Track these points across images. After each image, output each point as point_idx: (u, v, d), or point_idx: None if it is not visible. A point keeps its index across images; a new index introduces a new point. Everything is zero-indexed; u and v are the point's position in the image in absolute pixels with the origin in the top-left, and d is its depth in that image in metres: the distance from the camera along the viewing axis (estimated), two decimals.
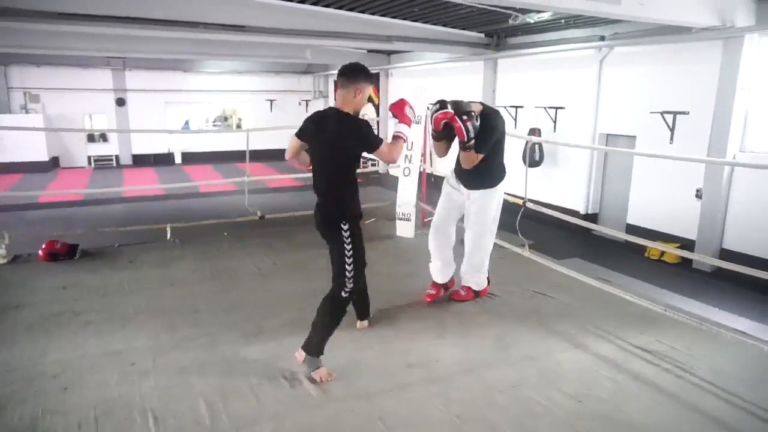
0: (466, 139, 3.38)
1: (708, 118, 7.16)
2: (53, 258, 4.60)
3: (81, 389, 2.74)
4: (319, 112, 3.02)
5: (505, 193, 3.91)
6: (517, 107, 10.38)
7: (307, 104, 19.24)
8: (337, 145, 2.85)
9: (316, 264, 4.67)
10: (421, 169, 5.78)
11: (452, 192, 3.85)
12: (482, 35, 10.63)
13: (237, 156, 16.08)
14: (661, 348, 3.25)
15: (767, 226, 6.71)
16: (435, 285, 3.95)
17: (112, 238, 5.66)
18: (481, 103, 3.66)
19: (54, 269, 4.47)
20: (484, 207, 3.74)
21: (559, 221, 5.30)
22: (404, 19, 9.48)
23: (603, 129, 8.95)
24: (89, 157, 16.91)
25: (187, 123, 18.71)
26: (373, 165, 14.35)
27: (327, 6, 8.57)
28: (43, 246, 4.64)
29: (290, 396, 2.71)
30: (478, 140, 3.45)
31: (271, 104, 18.98)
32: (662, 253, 7.62)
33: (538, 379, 2.90)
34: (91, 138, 16.95)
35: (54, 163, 16.05)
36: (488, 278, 4.01)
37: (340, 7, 8.68)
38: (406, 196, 5.57)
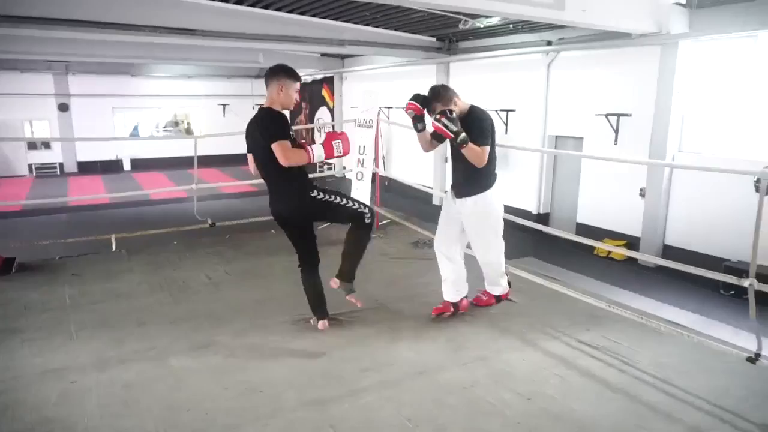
0: (452, 135, 3.17)
1: (649, 120, 7.49)
2: None
3: (18, 410, 2.60)
4: (252, 117, 3.17)
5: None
6: None
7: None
8: (263, 138, 2.98)
9: (271, 270, 4.63)
10: (374, 172, 5.78)
11: (448, 206, 3.67)
12: (434, 39, 10.78)
13: (190, 162, 15.74)
14: (606, 344, 3.36)
15: (706, 222, 7.06)
16: (444, 302, 3.74)
17: (53, 250, 5.42)
18: (471, 105, 3.49)
19: None
20: (480, 216, 3.50)
21: (512, 222, 5.41)
22: (356, 23, 9.51)
23: (552, 131, 9.22)
24: (30, 165, 16.17)
25: (136, 129, 18.15)
26: (329, 169, 14.30)
27: (278, 9, 8.50)
28: None
29: (241, 407, 2.66)
30: (473, 134, 3.24)
31: (224, 108, 18.66)
32: (609, 251, 7.92)
33: (489, 379, 2.94)
34: (32, 145, 16.22)
35: None
36: (509, 281, 3.94)
37: (291, 11, 8.62)
38: (361, 199, 5.56)
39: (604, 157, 7.90)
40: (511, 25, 8.77)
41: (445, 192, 3.76)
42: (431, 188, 9.95)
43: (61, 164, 16.64)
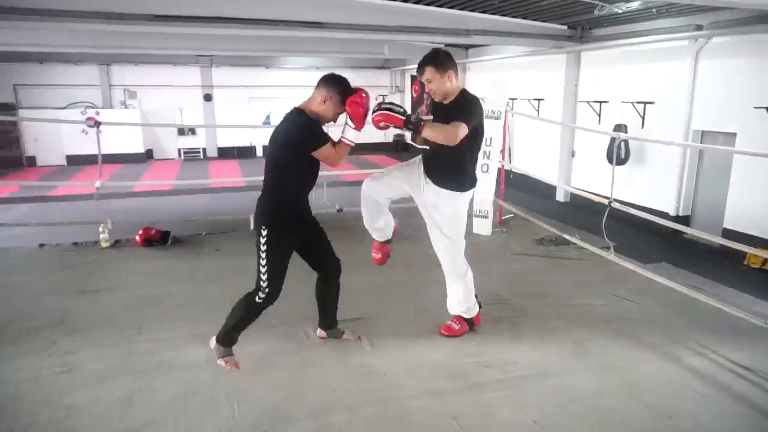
0: (402, 119, 2.69)
1: None
2: (148, 243, 4.94)
3: (172, 367, 2.92)
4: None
5: (589, 192, 3.70)
6: (601, 102, 9.90)
7: (383, 99, 19.38)
8: (275, 140, 2.74)
9: (390, 259, 4.72)
10: (500, 165, 5.65)
11: (413, 173, 3.16)
12: (564, 27, 10.21)
13: None
14: (758, 364, 2.99)
15: None
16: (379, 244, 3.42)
17: (199, 226, 6.00)
18: (464, 89, 3.02)
19: (149, 254, 4.81)
20: (455, 213, 3.08)
21: (646, 223, 5.01)
22: (483, 12, 9.31)
23: (698, 125, 8.34)
24: (179, 150, 18.01)
25: (268, 117, 19.44)
26: None
27: (405, 1, 8.58)
28: (140, 232, 4.99)
29: (362, 389, 2.75)
30: (456, 114, 2.80)
31: None
32: (765, 261, 7.01)
33: (620, 390, 2.76)
34: (181, 131, 18.02)
35: (148, 154, 17.23)
36: (478, 299, 3.35)
37: (417, 2, 8.66)
38: (484, 193, 5.47)
39: (760, 153, 6.99)
40: (654, 10, 8.03)
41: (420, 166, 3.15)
42: (555, 183, 9.53)
43: (204, 149, 18.32)
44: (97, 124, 5.15)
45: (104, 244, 4.95)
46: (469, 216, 5.66)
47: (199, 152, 18.17)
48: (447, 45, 13.71)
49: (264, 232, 2.74)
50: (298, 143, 2.67)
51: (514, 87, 11.02)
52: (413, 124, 2.70)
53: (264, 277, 2.79)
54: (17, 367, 2.89)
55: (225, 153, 18.29)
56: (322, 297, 3.16)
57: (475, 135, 2.90)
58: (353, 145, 2.77)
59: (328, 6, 8.31)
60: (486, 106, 5.52)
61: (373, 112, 2.75)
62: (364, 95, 2.72)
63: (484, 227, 5.53)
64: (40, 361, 2.94)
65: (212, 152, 18.35)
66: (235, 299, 2.93)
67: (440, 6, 8.87)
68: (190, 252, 4.90)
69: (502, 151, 5.68)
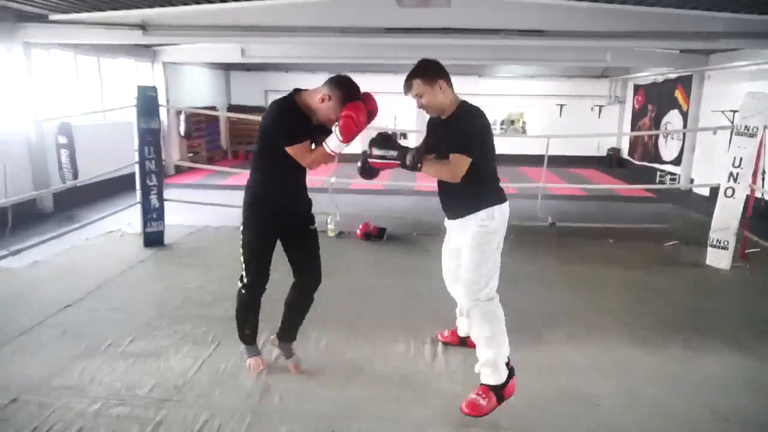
0: (398, 163, 2.48)
1: None
2: (367, 237, 5.43)
3: (387, 355, 3.16)
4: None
5: None
6: None
7: (600, 110, 18.17)
8: (260, 125, 2.56)
9: (604, 280, 4.43)
10: (749, 191, 4.87)
11: (448, 230, 2.92)
12: None
13: (522, 160, 16.24)
14: None
15: None
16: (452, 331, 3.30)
17: (410, 226, 6.38)
18: (463, 101, 2.62)
19: (367, 247, 5.29)
20: (470, 245, 2.56)
21: None
22: (733, 11, 8.08)
23: None
24: None
25: None
26: (672, 180, 12.75)
27: (637, 4, 7.90)
28: (360, 226, 5.51)
29: (567, 413, 2.63)
30: (451, 140, 2.49)
31: (561, 109, 18.52)
32: None
33: None
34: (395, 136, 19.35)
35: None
36: (510, 365, 2.60)
37: (653, 5, 7.90)
38: (726, 220, 4.77)
39: None
40: None
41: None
42: None
43: None
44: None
45: (330, 234, 5.57)
46: (700, 244, 5.02)
47: None
48: (681, 51, 12.28)
49: (242, 221, 2.66)
50: (270, 134, 2.50)
51: None
52: (411, 166, 2.46)
53: (242, 267, 2.70)
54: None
55: None
56: (289, 304, 2.87)
57: (482, 154, 2.53)
58: (333, 155, 2.50)
59: (550, 12, 8.07)
60: (736, 121, 4.81)
61: (369, 146, 2.58)
62: (364, 110, 2.41)
63: (721, 259, 4.82)
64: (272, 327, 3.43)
65: None
66: (443, 298, 3.06)
67: (680, 7, 7.98)
68: (403, 249, 5.24)
69: (754, 174, 4.88)
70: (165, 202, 5.16)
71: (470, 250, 2.57)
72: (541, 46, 10.18)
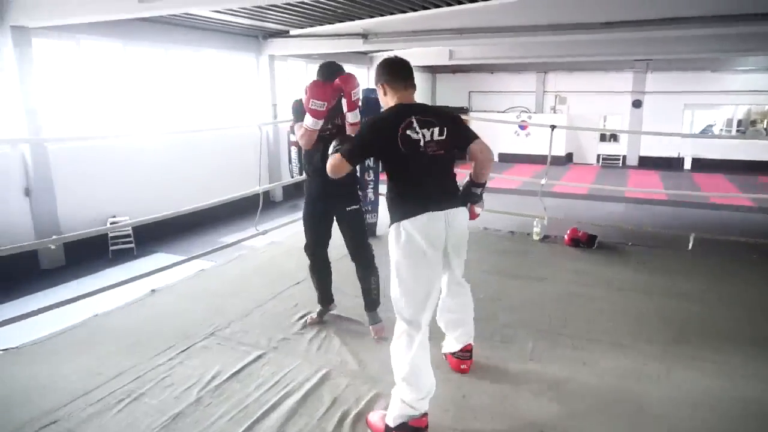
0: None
1: None
2: (575, 244, 5.12)
3: (595, 369, 2.95)
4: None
5: None
6: None
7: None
8: None
9: None
10: None
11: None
12: None
13: (761, 167, 13.79)
14: None
15: None
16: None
17: (621, 235, 5.85)
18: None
19: (574, 254, 4.99)
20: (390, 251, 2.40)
21: None
22: None
23: None
24: (598, 156, 17.99)
25: (708, 127, 17.24)
26: None
27: None
28: (568, 232, 5.22)
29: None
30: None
31: None
32: None
33: None
34: (602, 137, 17.95)
35: (568, 158, 17.87)
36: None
37: None
38: None
39: None
40: None
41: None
42: None
43: (624, 157, 17.76)
44: (552, 127, 5.54)
45: (535, 237, 5.40)
46: None
47: (618, 159, 17.74)
48: None
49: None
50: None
51: None
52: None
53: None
54: None
55: (646, 163, 17.27)
56: (359, 277, 3.33)
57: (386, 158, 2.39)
58: (308, 129, 2.90)
59: None
60: None
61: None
62: (321, 86, 2.84)
63: None
64: (483, 325, 3.43)
65: (632, 161, 17.62)
66: (665, 318, 2.73)
67: None
68: (615, 260, 4.83)
69: None
70: (379, 197, 5.55)
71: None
72: None
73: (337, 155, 2.40)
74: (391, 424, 2.31)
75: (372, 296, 3.31)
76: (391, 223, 2.35)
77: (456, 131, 2.43)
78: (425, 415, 2.33)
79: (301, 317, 3.55)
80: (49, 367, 2.95)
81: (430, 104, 3.00)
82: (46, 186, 7.29)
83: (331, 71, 2.99)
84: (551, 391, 2.72)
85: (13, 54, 6.70)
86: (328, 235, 3.34)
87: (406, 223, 2.28)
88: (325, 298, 3.47)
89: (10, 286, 6.36)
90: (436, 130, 2.35)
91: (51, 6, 6.35)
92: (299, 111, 2.99)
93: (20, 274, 6.71)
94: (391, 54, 12.85)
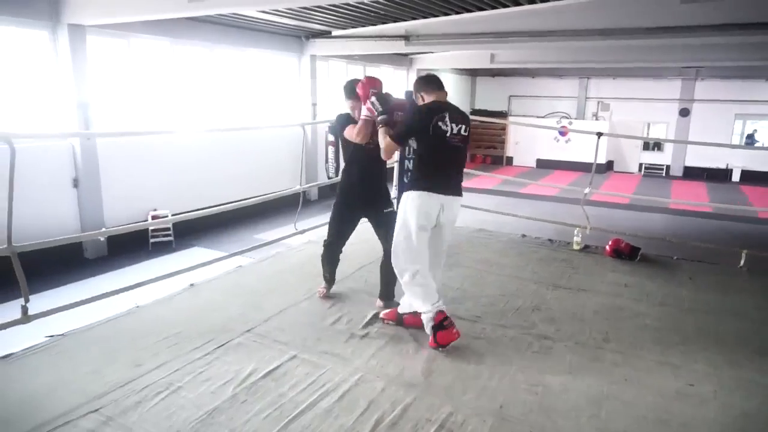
0: (375, 113, 3.25)
1: None
2: (617, 255, 4.97)
3: (640, 386, 2.84)
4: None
5: None
6: None
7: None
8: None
9: None
10: None
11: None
12: None
13: None
14: None
15: None
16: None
17: (667, 248, 5.65)
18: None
19: (616, 266, 4.84)
20: (399, 213, 3.25)
21: None
22: None
23: None
24: (640, 164, 17.48)
25: (749, 137, 16.54)
26: None
27: None
28: (610, 242, 5.07)
29: None
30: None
31: None
32: None
33: None
34: (645, 146, 17.43)
35: (608, 166, 17.43)
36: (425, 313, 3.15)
37: None
38: None
39: None
40: None
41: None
42: None
43: (668, 167, 17.21)
44: (599, 134, 5.33)
45: (576, 246, 5.26)
46: None
47: (661, 169, 17.20)
48: None
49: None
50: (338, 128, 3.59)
51: None
52: (377, 121, 3.25)
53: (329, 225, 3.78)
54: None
55: (691, 173, 16.69)
56: (382, 270, 3.66)
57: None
58: (366, 118, 3.28)
59: None
60: None
61: (372, 93, 3.27)
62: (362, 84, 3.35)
63: None
64: (520, 335, 3.37)
65: (677, 171, 17.05)
66: (714, 337, 2.60)
67: None
68: (660, 274, 4.66)
69: None
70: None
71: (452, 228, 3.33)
72: None
73: (387, 139, 3.12)
74: (428, 331, 3.15)
75: (390, 288, 3.69)
76: (407, 190, 3.13)
77: (469, 132, 3.17)
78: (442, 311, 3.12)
79: (337, 319, 3.55)
80: (92, 355, 3.03)
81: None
82: (93, 178, 7.53)
83: (351, 87, 3.51)
84: (591, 407, 2.63)
85: (69, 50, 6.95)
86: (350, 235, 3.78)
87: (413, 194, 3.09)
88: (331, 280, 3.95)
89: (55, 274, 6.59)
90: (462, 127, 3.08)
91: (105, 5, 6.57)
92: (344, 123, 3.51)
93: (65, 262, 6.94)
94: (431, 56, 12.78)
